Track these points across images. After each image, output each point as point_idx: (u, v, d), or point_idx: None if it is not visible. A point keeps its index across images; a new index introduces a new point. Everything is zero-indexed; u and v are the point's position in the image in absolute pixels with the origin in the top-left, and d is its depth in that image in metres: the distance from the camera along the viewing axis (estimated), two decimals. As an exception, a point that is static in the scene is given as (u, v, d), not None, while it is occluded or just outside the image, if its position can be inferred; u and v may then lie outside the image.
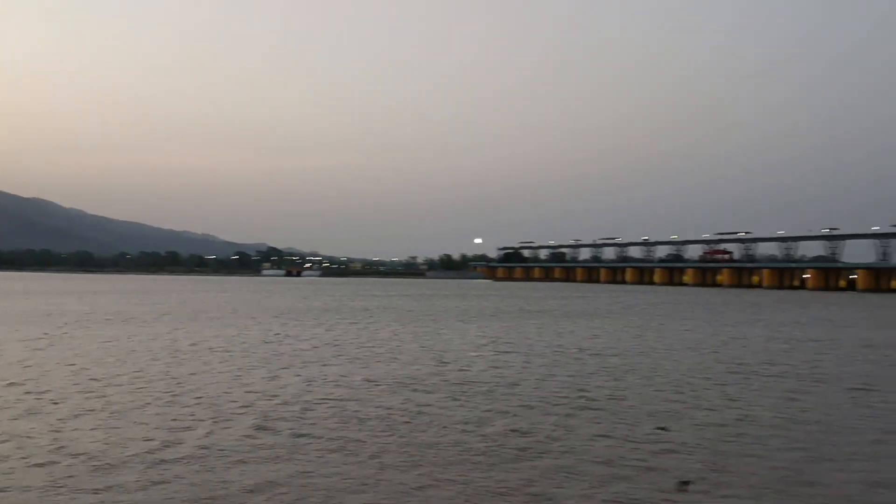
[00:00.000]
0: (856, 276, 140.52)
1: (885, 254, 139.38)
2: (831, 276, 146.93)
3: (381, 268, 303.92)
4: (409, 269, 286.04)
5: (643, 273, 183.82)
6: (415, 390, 18.31)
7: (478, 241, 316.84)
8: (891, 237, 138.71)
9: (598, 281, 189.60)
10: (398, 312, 53.20)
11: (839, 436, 13.96)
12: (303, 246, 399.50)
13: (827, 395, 18.87)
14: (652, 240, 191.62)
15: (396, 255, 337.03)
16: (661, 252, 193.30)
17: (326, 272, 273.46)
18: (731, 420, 15.20)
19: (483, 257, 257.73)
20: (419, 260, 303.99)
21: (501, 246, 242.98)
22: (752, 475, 11.01)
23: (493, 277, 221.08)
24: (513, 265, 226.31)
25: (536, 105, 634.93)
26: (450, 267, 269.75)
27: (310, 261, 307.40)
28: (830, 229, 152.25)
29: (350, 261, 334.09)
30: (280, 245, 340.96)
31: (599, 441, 13.05)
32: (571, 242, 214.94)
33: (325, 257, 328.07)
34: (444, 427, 13.97)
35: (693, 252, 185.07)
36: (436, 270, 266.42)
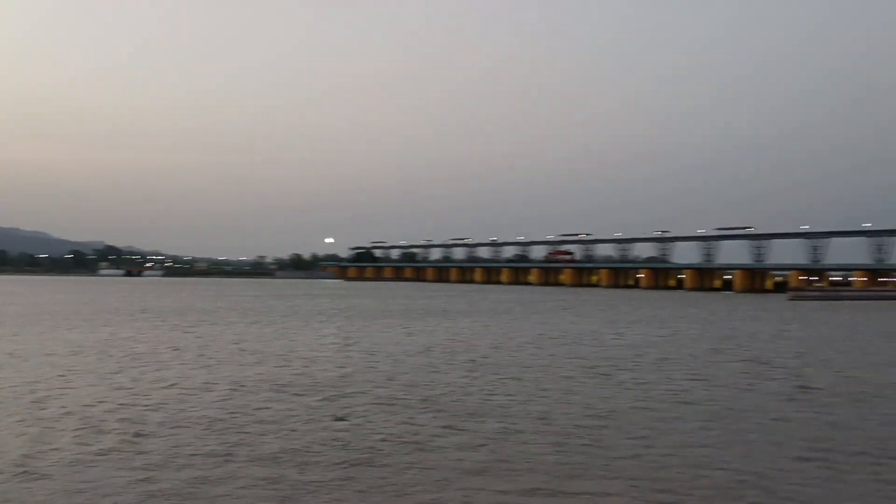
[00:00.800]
0: (684, 276, 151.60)
1: (709, 255, 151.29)
2: (661, 275, 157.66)
3: (228, 268, 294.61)
4: (257, 269, 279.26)
5: (491, 273, 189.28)
6: (284, 393, 18.32)
7: (329, 240, 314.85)
8: (714, 239, 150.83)
9: (448, 280, 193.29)
10: (250, 313, 52.13)
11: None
12: (143, 245, 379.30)
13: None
14: (500, 241, 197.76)
15: (244, 255, 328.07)
16: (509, 252, 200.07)
17: (169, 272, 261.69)
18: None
19: (334, 257, 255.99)
20: (268, 259, 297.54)
21: (353, 246, 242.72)
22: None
23: (344, 277, 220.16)
24: (364, 265, 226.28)
25: (385, 106, 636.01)
26: (300, 267, 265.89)
27: (151, 260, 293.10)
28: (662, 232, 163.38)
29: (194, 260, 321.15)
30: (119, 244, 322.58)
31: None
32: (423, 243, 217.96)
33: (167, 256, 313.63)
34: (292, 429, 14.18)
35: (538, 252, 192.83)
36: (285, 270, 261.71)
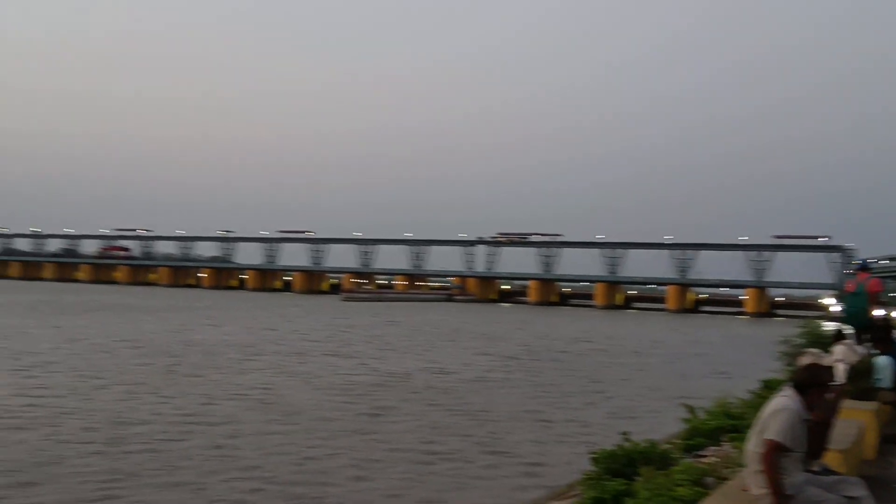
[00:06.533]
0: (246, 276, 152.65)
1: (271, 256, 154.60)
2: (224, 275, 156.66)
3: None
4: None
5: (31, 267, 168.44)
6: None
7: None
8: (276, 241, 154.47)
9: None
10: None
11: None
12: None
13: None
14: (44, 232, 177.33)
15: None
16: (54, 246, 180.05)
17: None
18: None
19: None
20: None
21: None
22: None
23: None
24: None
25: None
26: None
27: None
28: (226, 231, 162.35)
29: None
30: None
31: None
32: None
33: None
34: None
35: (90, 247, 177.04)
36: None
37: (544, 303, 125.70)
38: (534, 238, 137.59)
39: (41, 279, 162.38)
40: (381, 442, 15.69)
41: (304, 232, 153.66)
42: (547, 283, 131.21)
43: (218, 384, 22.68)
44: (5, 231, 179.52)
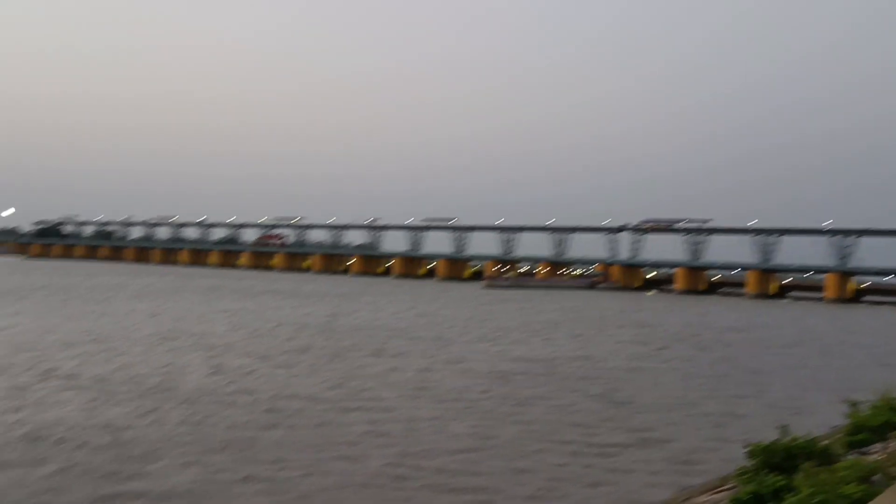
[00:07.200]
0: (392, 263, 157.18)
1: (416, 244, 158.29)
2: (372, 262, 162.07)
3: None
4: None
5: (199, 255, 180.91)
6: None
7: (8, 212, 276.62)
8: (421, 230, 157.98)
9: (149, 261, 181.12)
10: None
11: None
12: None
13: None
14: (209, 221, 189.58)
15: None
16: (219, 234, 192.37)
17: None
18: None
19: (13, 231, 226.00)
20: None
21: (38, 219, 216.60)
22: None
23: (26, 255, 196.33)
24: (50, 242, 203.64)
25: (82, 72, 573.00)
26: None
27: None
28: (373, 220, 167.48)
29: None
30: None
31: None
32: (122, 219, 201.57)
33: None
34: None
35: (250, 235, 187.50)
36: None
37: (691, 291, 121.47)
38: (681, 224, 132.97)
39: (207, 265, 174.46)
40: (533, 431, 16.09)
41: (448, 220, 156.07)
42: (694, 270, 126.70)
43: (372, 367, 23.92)
44: (175, 220, 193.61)
